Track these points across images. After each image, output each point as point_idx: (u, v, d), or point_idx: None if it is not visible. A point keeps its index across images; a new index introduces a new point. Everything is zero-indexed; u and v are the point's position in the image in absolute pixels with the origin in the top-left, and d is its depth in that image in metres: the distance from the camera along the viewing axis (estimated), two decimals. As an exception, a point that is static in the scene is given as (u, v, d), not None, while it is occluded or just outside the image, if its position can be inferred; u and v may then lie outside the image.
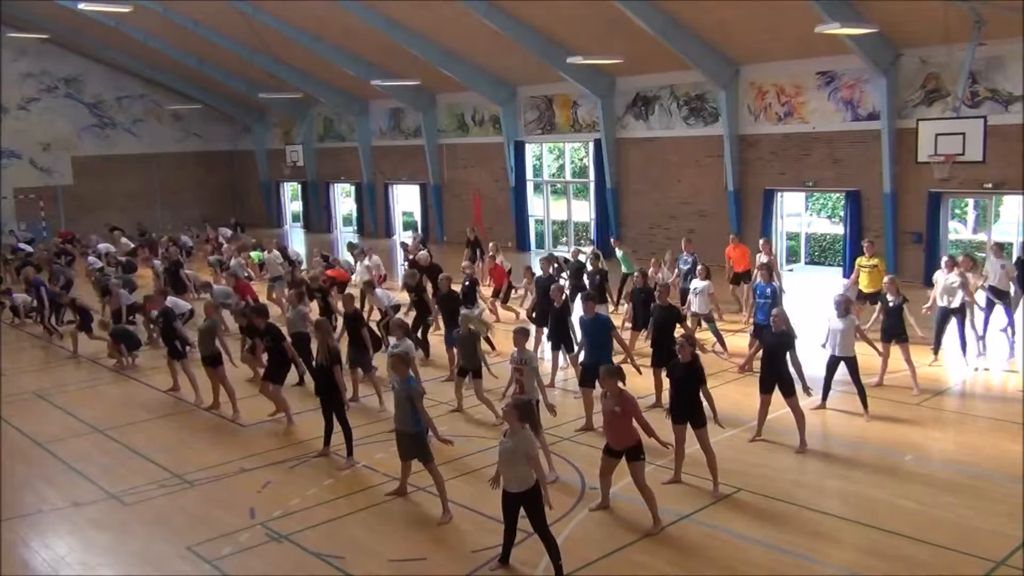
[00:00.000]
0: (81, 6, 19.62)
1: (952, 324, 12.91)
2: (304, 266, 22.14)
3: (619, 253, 17.80)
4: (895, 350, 11.88)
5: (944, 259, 13.39)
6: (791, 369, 9.89)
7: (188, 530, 8.42)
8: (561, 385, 12.66)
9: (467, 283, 14.71)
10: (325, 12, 22.87)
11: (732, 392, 12.01)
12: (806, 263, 23.06)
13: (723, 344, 14.00)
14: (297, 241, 31.74)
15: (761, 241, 16.96)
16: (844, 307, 10.81)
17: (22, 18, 30.53)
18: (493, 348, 14.12)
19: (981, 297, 13.85)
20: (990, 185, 18.22)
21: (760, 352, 10.30)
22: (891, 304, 11.84)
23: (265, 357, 11.96)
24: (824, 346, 11.06)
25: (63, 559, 7.99)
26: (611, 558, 7.62)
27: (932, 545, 7.63)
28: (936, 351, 13.06)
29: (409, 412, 8.53)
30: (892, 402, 11.34)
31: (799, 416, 9.94)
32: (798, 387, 9.89)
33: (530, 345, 10.70)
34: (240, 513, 8.73)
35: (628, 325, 13.60)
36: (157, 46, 29.45)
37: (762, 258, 15.29)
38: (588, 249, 18.15)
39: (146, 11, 24.39)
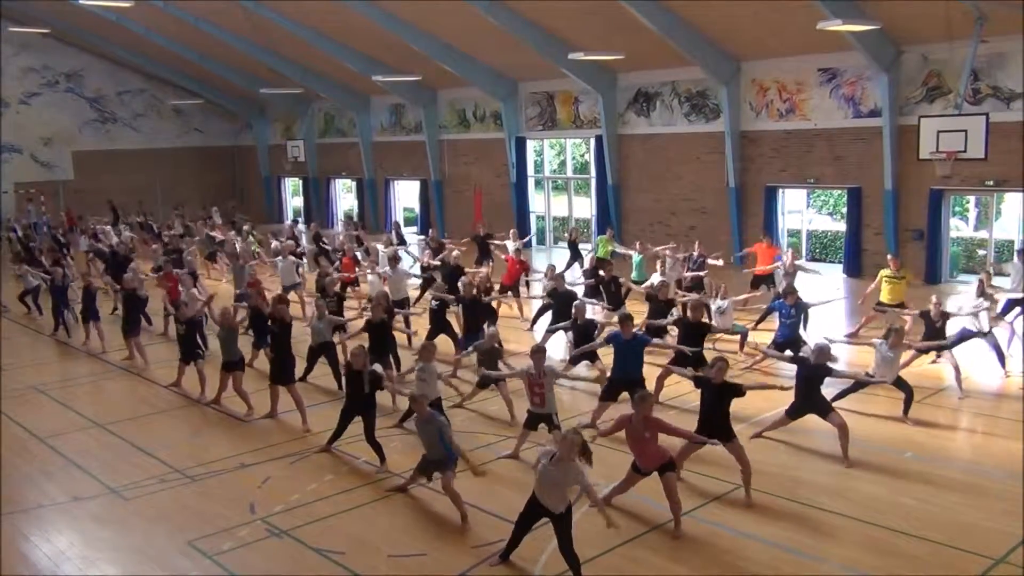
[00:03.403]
0: (82, 1, 19.58)
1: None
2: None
3: (636, 258, 17.25)
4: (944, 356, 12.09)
5: (975, 283, 13.28)
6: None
7: (189, 525, 8.43)
8: (570, 385, 12.52)
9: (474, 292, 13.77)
10: (326, 7, 22.83)
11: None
12: (807, 260, 23.04)
13: (743, 340, 13.91)
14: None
15: (790, 252, 16.69)
16: (898, 337, 10.55)
17: (23, 13, 30.51)
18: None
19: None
20: (992, 182, 18.21)
21: (763, 359, 10.15)
22: (937, 325, 11.93)
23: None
24: (869, 374, 10.83)
25: (63, 554, 8.00)
26: (611, 554, 7.62)
27: (932, 542, 7.64)
28: (940, 352, 12.96)
29: (439, 444, 8.37)
30: (892, 400, 11.34)
31: (843, 430, 9.52)
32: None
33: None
34: (241, 508, 8.73)
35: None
36: (158, 41, 29.40)
37: (785, 272, 15.14)
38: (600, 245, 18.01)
39: (147, 6, 24.35)
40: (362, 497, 8.94)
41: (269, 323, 11.90)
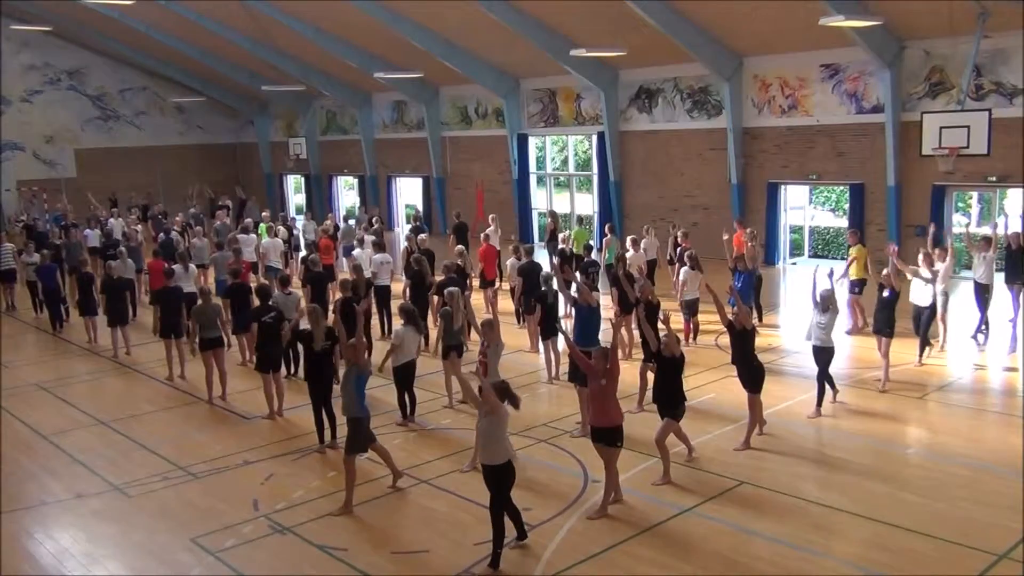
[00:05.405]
0: (84, -1, 19.59)
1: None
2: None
3: (607, 244, 17.65)
4: (882, 343, 11.78)
5: (920, 253, 13.28)
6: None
7: (192, 522, 8.45)
8: (561, 380, 12.54)
9: (453, 275, 13.91)
10: (328, 4, 22.84)
11: (732, 386, 11.99)
12: (809, 256, 23.06)
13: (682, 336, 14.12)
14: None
15: (745, 231, 16.73)
16: (826, 303, 10.60)
17: (25, 10, 30.53)
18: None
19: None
20: (994, 178, 18.18)
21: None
22: (886, 296, 11.75)
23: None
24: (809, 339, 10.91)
25: (67, 551, 8.02)
26: (616, 551, 7.62)
27: (934, 538, 7.63)
28: (921, 353, 12.87)
29: (353, 396, 8.69)
30: (892, 396, 11.34)
31: (753, 412, 9.93)
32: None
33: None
34: (244, 505, 8.75)
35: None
36: (160, 38, 29.43)
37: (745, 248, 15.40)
38: (566, 233, 18.33)
39: (149, 3, 24.36)
40: (365, 494, 8.93)
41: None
